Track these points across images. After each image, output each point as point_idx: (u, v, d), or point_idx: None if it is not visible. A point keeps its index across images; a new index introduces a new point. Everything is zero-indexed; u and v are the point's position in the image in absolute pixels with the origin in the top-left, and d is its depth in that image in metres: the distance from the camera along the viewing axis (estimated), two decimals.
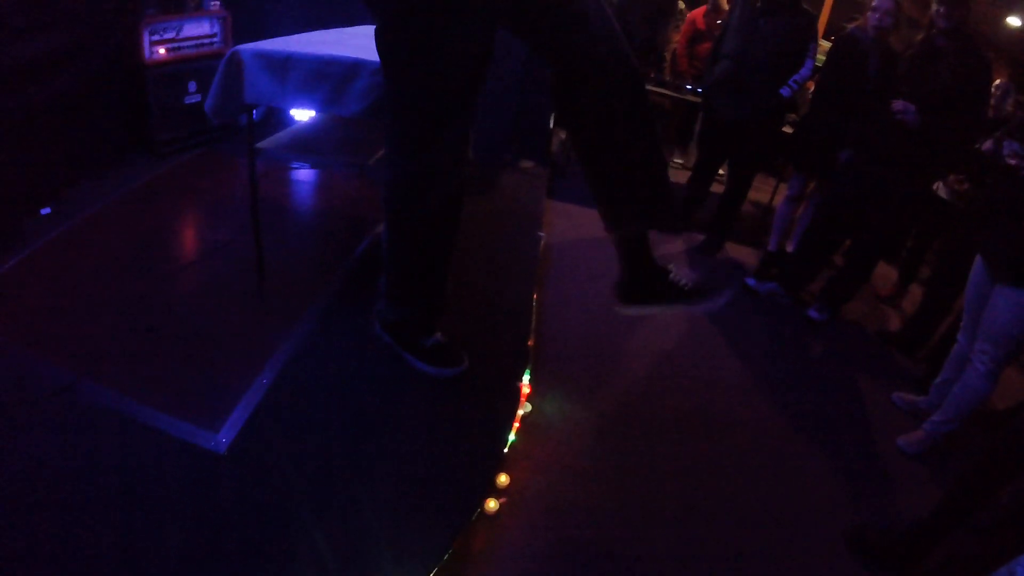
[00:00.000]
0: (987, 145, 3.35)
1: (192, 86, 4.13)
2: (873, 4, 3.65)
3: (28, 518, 1.71)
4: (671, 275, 2.23)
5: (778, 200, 5.36)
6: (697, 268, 4.32)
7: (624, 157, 2.08)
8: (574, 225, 4.46)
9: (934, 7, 3.26)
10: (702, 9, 6.09)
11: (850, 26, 3.89)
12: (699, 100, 5.03)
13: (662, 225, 2.19)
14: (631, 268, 2.25)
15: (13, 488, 1.78)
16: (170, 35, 3.98)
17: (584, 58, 1.98)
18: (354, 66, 2.30)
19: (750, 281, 4.15)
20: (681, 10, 6.55)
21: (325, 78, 2.32)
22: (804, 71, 3.95)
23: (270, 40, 2.56)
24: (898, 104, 3.31)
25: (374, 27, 1.97)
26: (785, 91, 3.95)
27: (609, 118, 2.03)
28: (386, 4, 1.91)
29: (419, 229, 2.20)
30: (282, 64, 2.35)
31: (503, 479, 2.17)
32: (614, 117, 2.03)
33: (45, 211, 3.21)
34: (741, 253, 4.71)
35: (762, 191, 5.86)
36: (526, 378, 2.50)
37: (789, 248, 4.38)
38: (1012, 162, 2.61)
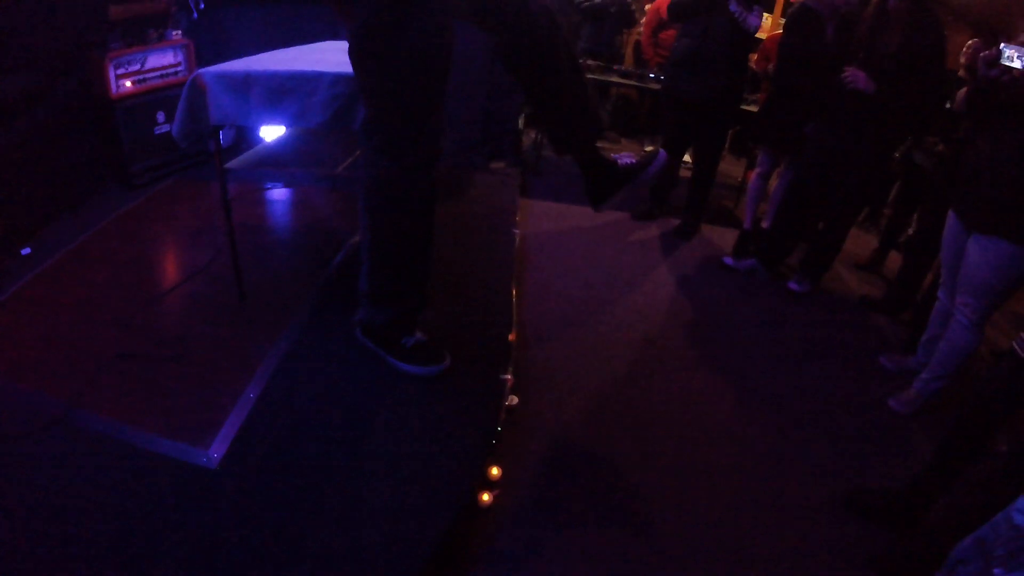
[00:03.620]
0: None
1: (160, 116, 4.16)
2: None
3: (29, 548, 1.73)
4: (619, 164, 2.54)
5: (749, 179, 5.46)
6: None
7: (564, 98, 2.36)
8: (548, 221, 4.52)
9: None
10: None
11: None
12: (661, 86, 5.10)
13: (595, 138, 2.53)
14: (590, 174, 2.52)
15: (14, 520, 1.81)
16: (135, 67, 4.00)
17: (521, 29, 2.20)
18: (314, 79, 2.34)
19: (728, 260, 4.21)
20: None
21: (287, 92, 2.36)
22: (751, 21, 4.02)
23: (230, 62, 2.60)
24: (848, 73, 3.38)
25: (338, 43, 2.04)
26: (750, 22, 4.00)
27: (548, 69, 2.29)
28: (358, 9, 1.97)
29: (401, 227, 2.27)
30: (243, 82, 2.39)
31: (495, 471, 2.19)
32: (551, 68, 2.29)
33: (25, 251, 3.23)
34: (717, 234, 4.76)
35: (732, 173, 5.94)
36: (510, 371, 2.53)
37: (764, 224, 4.43)
38: (993, 73, 2.63)
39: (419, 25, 1.97)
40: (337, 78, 2.31)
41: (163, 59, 4.20)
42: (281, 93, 2.36)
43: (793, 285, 3.98)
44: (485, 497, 2.11)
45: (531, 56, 2.26)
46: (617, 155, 2.57)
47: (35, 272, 3.05)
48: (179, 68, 4.29)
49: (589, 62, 5.62)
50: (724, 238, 4.67)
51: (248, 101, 2.39)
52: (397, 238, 2.29)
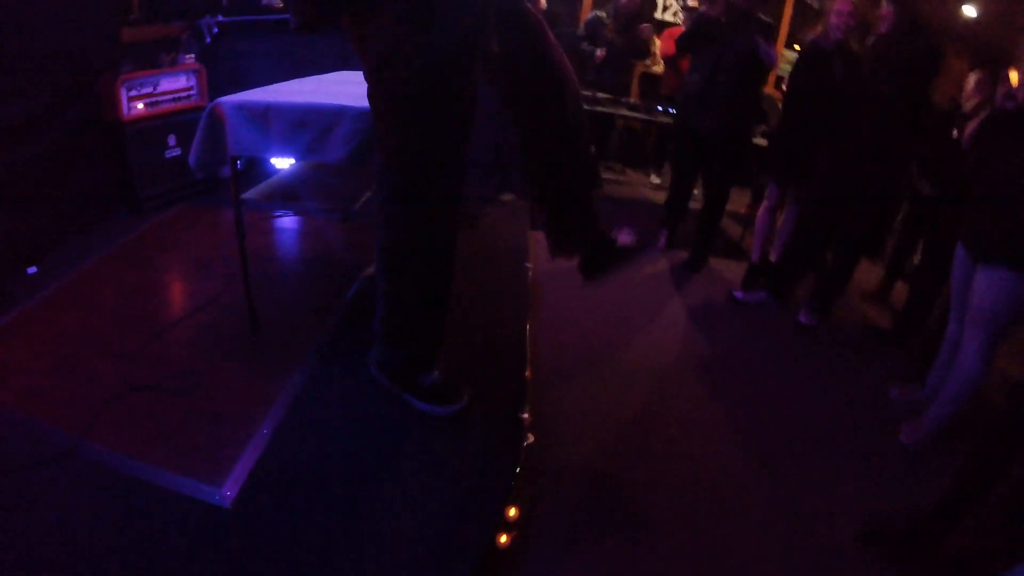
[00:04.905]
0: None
1: (172, 140, 4.15)
2: (833, 9, 3.75)
3: None
4: (616, 241, 2.57)
5: (756, 211, 5.46)
6: (678, 278, 4.36)
7: (566, 189, 2.44)
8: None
9: (883, 7, 3.39)
10: (678, 29, 6.20)
11: (810, 35, 3.99)
12: (671, 121, 5.12)
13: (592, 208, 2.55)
14: (586, 246, 2.55)
15: (18, 553, 1.77)
16: (147, 90, 4.01)
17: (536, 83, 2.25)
18: (335, 113, 2.33)
19: (738, 294, 4.20)
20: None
21: (307, 126, 2.35)
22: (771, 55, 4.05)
23: (250, 91, 2.59)
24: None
25: (356, 74, 2.02)
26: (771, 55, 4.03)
27: (556, 127, 2.33)
28: (375, 43, 1.95)
29: (419, 274, 2.21)
30: (263, 114, 2.38)
31: (512, 512, 2.14)
32: (559, 126, 2.33)
33: (31, 270, 3.21)
34: (725, 266, 4.76)
35: (738, 203, 5.94)
36: (527, 409, 2.50)
37: (772, 257, 4.43)
38: (1010, 105, 2.67)
39: (441, 59, 1.93)
40: (359, 113, 2.30)
41: (175, 83, 4.21)
42: (301, 126, 2.35)
43: (802, 318, 3.96)
44: (503, 539, 2.07)
45: (540, 112, 2.29)
46: (617, 230, 2.59)
47: (41, 295, 3.03)
48: (191, 92, 4.30)
49: (598, 94, 5.63)
50: (732, 271, 4.67)
51: (267, 133, 2.38)
52: (414, 284, 2.24)
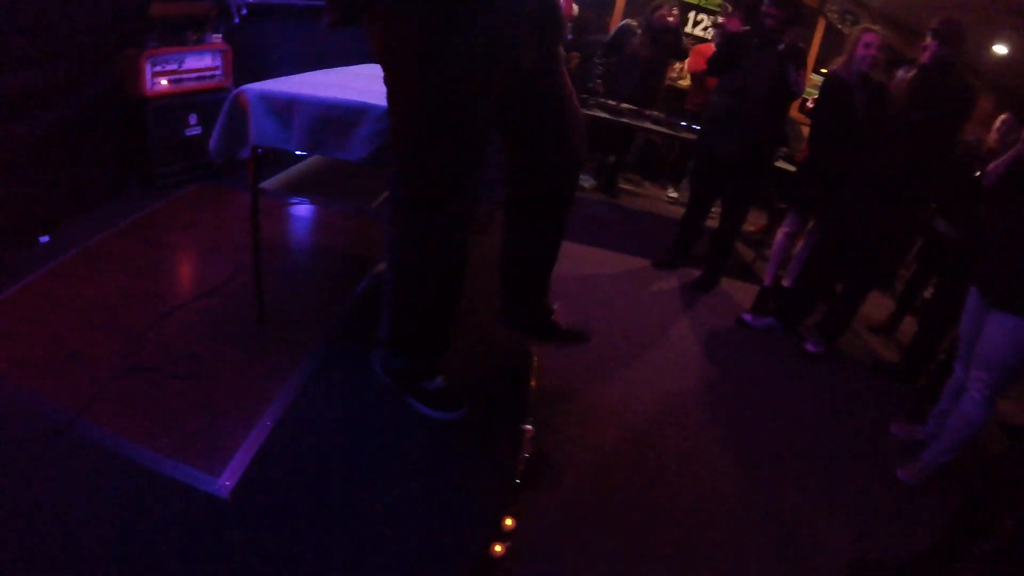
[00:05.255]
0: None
1: (193, 119, 4.14)
2: (861, 40, 3.72)
3: (24, 563, 1.68)
4: (554, 314, 2.62)
5: (771, 233, 5.44)
6: (695, 302, 4.34)
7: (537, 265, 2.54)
8: (566, 263, 4.38)
9: (927, 39, 3.35)
10: (708, 46, 6.13)
11: (832, 68, 3.96)
12: (694, 137, 5.09)
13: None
14: (523, 301, 2.60)
15: (11, 534, 1.75)
16: (171, 67, 3.99)
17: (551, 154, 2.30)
18: (359, 111, 2.30)
19: (747, 317, 4.18)
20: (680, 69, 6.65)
21: (330, 122, 2.31)
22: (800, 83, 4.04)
23: (274, 80, 2.56)
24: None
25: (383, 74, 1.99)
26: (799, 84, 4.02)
27: (552, 208, 2.47)
28: (404, 63, 1.92)
29: (428, 286, 2.19)
30: (287, 107, 2.35)
31: (508, 522, 2.13)
32: (556, 208, 2.47)
33: (44, 239, 3.20)
34: (736, 288, 4.73)
35: (750, 222, 5.91)
36: (529, 419, 2.49)
37: (785, 283, 4.41)
38: None
39: (463, 66, 1.89)
40: (384, 113, 2.24)
41: (200, 62, 4.19)
42: (324, 122, 2.31)
43: (810, 347, 3.95)
44: (498, 548, 2.05)
45: (543, 184, 2.35)
46: (556, 305, 2.71)
47: (48, 267, 3.00)
48: (216, 72, 4.28)
49: (623, 105, 5.60)
50: (742, 293, 4.64)
51: (290, 126, 2.35)
52: (423, 296, 2.21)
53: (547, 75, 2.17)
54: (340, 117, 2.31)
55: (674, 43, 5.92)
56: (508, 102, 2.10)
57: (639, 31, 5.82)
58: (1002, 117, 3.91)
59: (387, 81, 1.99)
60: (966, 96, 3.38)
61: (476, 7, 1.86)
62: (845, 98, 3.76)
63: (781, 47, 3.91)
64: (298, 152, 3.55)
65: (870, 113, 3.67)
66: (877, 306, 4.75)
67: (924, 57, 3.37)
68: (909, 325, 4.51)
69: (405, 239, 2.13)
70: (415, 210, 2.07)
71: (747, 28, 4.08)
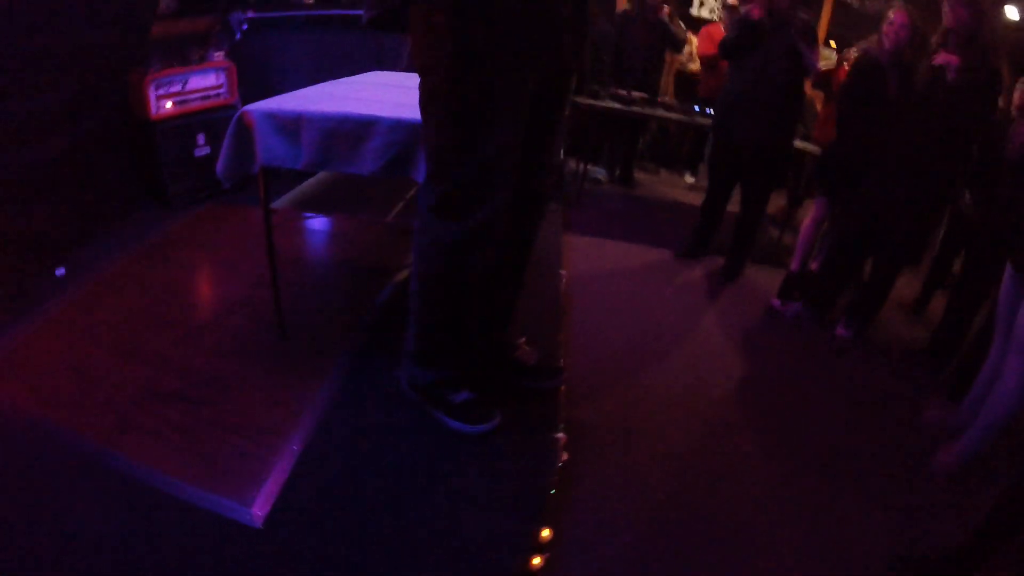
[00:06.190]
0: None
1: (201, 138, 4.12)
2: (889, 19, 3.62)
3: None
4: (517, 351, 2.55)
5: (792, 215, 5.36)
6: (718, 295, 4.28)
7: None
8: (591, 259, 4.43)
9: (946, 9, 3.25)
10: (716, 27, 6.01)
11: (862, 45, 3.86)
12: (708, 122, 5.00)
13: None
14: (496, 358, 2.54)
15: (42, 564, 1.75)
16: (176, 88, 3.98)
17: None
18: (369, 123, 2.24)
19: (775, 303, 4.10)
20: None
21: (340, 137, 2.26)
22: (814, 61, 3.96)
23: (279, 97, 2.52)
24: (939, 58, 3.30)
25: (391, 75, 1.95)
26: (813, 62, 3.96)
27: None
28: (443, 65, 1.87)
29: (458, 296, 2.14)
30: (294, 124, 2.30)
31: (546, 533, 2.09)
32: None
33: (60, 272, 3.19)
34: (762, 275, 4.63)
35: (772, 204, 5.82)
36: (560, 428, 2.44)
37: (813, 266, 4.32)
38: None
39: (504, 52, 1.84)
40: (393, 124, 2.21)
41: (204, 80, 4.17)
42: (334, 137, 2.26)
43: (840, 331, 3.86)
44: (536, 561, 2.01)
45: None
46: (521, 339, 2.63)
47: (69, 296, 3.01)
48: (221, 90, 4.26)
49: (634, 94, 5.52)
50: (768, 278, 4.54)
51: (298, 144, 2.30)
52: (452, 306, 2.16)
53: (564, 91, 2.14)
54: (350, 131, 2.26)
55: (664, 37, 5.82)
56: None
57: (637, 20, 5.75)
58: (1020, 83, 3.80)
59: (421, 82, 1.95)
60: (994, 82, 3.29)
61: (516, 6, 1.83)
62: (877, 77, 3.65)
63: (793, 27, 3.82)
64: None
65: (901, 93, 3.57)
66: (906, 285, 4.64)
67: (948, 21, 3.27)
68: (939, 302, 4.40)
69: (435, 248, 2.08)
70: (442, 217, 2.02)
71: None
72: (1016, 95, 3.73)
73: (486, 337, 2.47)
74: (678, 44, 5.98)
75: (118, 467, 2.08)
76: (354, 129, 2.25)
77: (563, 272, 3.76)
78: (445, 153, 1.97)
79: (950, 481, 2.78)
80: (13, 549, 1.79)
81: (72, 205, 3.42)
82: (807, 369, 3.59)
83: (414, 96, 1.98)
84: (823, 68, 4.65)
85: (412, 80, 1.99)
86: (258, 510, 1.97)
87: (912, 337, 4.09)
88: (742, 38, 4.00)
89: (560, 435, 2.40)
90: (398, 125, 2.21)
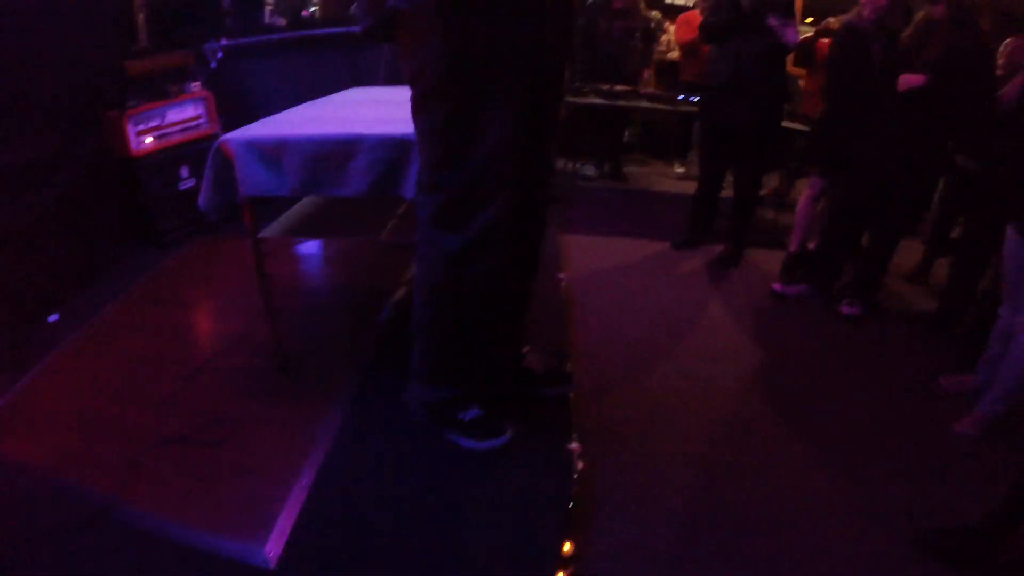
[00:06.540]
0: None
1: (184, 171, 4.07)
2: None
3: None
4: (524, 359, 2.50)
5: (787, 194, 5.32)
6: (722, 283, 4.23)
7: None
8: (589, 258, 4.38)
9: None
10: (693, 13, 5.94)
11: (843, 18, 3.83)
12: (693, 109, 4.96)
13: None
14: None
15: None
16: (154, 123, 3.93)
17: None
18: (353, 142, 2.18)
19: (777, 287, 4.05)
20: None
21: (324, 160, 2.19)
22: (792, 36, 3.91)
23: (259, 123, 2.47)
24: (900, 81, 3.31)
25: (367, 90, 1.90)
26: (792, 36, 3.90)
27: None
28: (434, 67, 1.83)
29: (465, 310, 2.08)
30: (275, 150, 2.24)
31: (567, 547, 2.04)
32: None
33: (52, 318, 3.15)
34: (762, 257, 4.58)
35: (765, 184, 5.77)
36: (574, 438, 2.39)
37: (811, 245, 4.27)
38: None
39: (493, 53, 1.81)
40: (377, 142, 2.15)
41: (183, 113, 4.13)
42: (318, 161, 2.19)
43: (846, 308, 3.82)
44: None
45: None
46: (526, 348, 2.58)
47: (66, 343, 2.96)
48: (200, 121, 4.22)
49: (616, 87, 5.46)
50: (768, 261, 4.48)
51: (282, 171, 2.24)
52: (459, 320, 2.09)
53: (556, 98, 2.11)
54: (334, 152, 2.20)
55: (634, 22, 5.78)
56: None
57: (605, 9, 5.70)
58: (1008, 42, 3.76)
59: (412, 89, 1.91)
60: (978, 40, 3.26)
61: (504, 4, 1.79)
62: (861, 47, 3.62)
63: (770, 4, 3.78)
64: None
65: (886, 62, 3.53)
66: (907, 253, 4.58)
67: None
68: (942, 268, 4.35)
69: (434, 260, 2.03)
70: (442, 227, 1.97)
71: None
72: (1001, 51, 3.70)
73: (500, 355, 2.41)
74: (649, 35, 5.98)
75: (127, 518, 2.04)
76: (338, 149, 2.19)
77: (561, 276, 3.72)
78: (440, 160, 1.92)
79: (975, 445, 2.76)
80: None
81: (61, 253, 3.37)
82: (819, 350, 3.54)
83: (396, 111, 1.94)
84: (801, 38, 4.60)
85: (392, 94, 1.95)
86: (271, 550, 1.92)
87: (919, 306, 4.04)
88: (725, 22, 3.96)
89: (574, 444, 2.35)
90: (383, 142, 2.15)
